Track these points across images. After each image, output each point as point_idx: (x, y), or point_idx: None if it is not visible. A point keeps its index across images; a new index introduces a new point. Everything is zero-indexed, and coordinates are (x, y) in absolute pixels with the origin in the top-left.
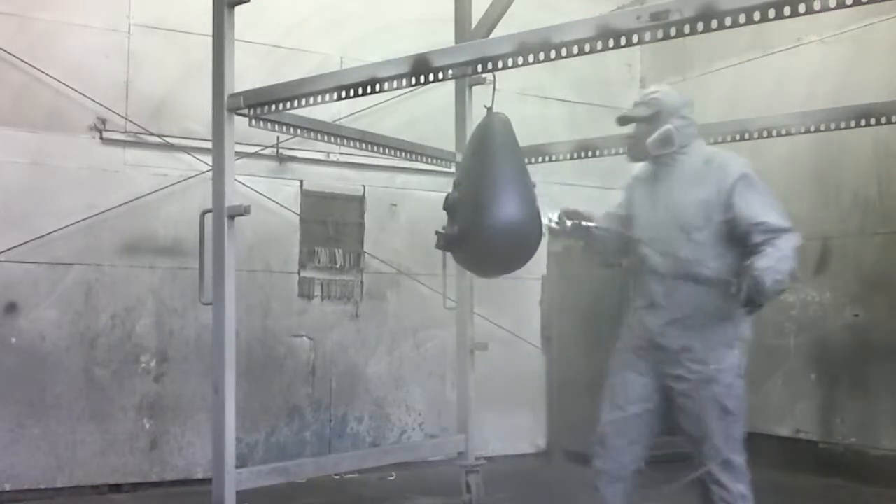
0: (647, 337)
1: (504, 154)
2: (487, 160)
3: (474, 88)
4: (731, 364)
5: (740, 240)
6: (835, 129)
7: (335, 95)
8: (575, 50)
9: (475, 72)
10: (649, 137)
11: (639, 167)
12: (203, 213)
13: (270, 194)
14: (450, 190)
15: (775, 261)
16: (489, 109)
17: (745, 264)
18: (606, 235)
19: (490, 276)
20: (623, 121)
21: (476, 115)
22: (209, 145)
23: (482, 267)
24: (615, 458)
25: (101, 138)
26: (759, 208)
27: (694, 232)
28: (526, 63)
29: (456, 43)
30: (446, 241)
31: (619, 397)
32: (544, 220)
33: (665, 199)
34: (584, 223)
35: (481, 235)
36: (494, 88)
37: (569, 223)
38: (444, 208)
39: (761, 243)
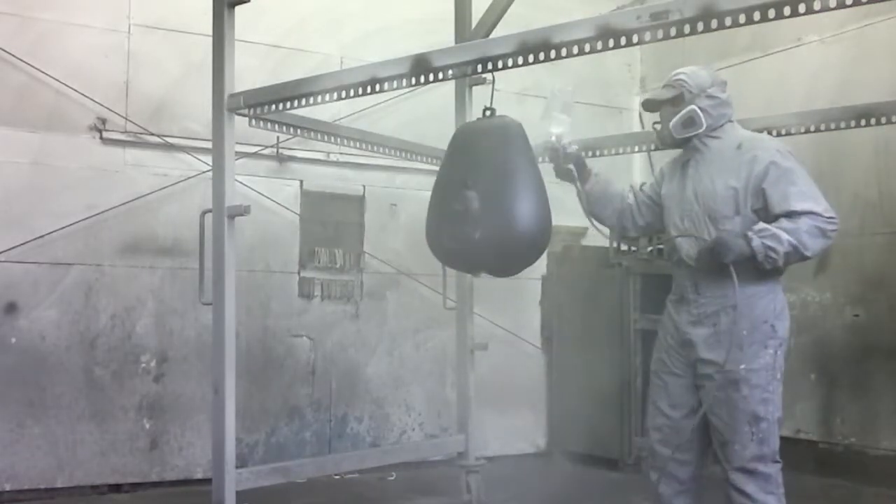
0: (678, 334)
1: (528, 157)
2: (515, 163)
3: (474, 88)
4: (764, 365)
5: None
6: (835, 129)
7: (335, 95)
8: (575, 50)
9: (475, 72)
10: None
11: (673, 154)
12: (203, 213)
13: (270, 194)
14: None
15: (781, 229)
16: (493, 110)
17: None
18: (597, 194)
19: (486, 276)
20: (648, 105)
21: (476, 116)
22: (209, 145)
23: (496, 269)
24: (668, 467)
25: (101, 138)
26: (793, 194)
27: (723, 222)
28: (526, 63)
29: (456, 43)
30: (469, 245)
31: (660, 400)
32: (554, 132)
33: (694, 185)
34: (573, 168)
35: (511, 239)
36: (493, 88)
37: (571, 165)
38: (462, 209)
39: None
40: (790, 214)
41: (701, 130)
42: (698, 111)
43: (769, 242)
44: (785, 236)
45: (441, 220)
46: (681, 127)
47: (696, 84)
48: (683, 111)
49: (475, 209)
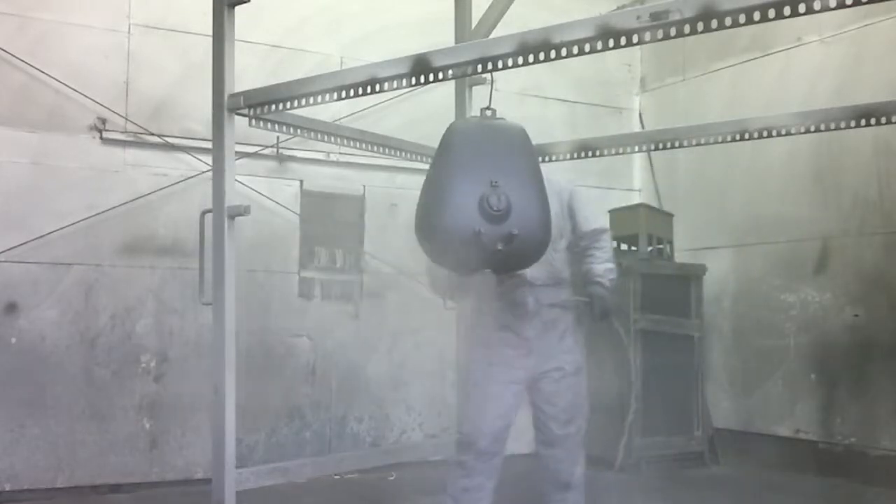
0: (520, 345)
1: (536, 160)
2: (533, 166)
3: (474, 88)
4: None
5: (575, 242)
6: (835, 129)
7: (335, 95)
8: (575, 50)
9: (475, 72)
10: None
11: None
12: (203, 213)
13: (270, 194)
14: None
15: (605, 261)
16: (493, 111)
17: (585, 270)
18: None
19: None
20: None
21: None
22: (209, 145)
23: (509, 267)
24: (492, 462)
25: (101, 138)
26: (590, 216)
27: (557, 242)
28: (526, 63)
29: (456, 43)
30: (505, 245)
31: (500, 408)
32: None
33: None
34: None
35: (537, 237)
36: (492, 88)
37: None
38: (498, 209)
39: (589, 245)
40: (595, 232)
41: None
42: None
43: (612, 276)
44: (611, 264)
45: (463, 215)
46: None
47: None
48: None
49: (508, 209)
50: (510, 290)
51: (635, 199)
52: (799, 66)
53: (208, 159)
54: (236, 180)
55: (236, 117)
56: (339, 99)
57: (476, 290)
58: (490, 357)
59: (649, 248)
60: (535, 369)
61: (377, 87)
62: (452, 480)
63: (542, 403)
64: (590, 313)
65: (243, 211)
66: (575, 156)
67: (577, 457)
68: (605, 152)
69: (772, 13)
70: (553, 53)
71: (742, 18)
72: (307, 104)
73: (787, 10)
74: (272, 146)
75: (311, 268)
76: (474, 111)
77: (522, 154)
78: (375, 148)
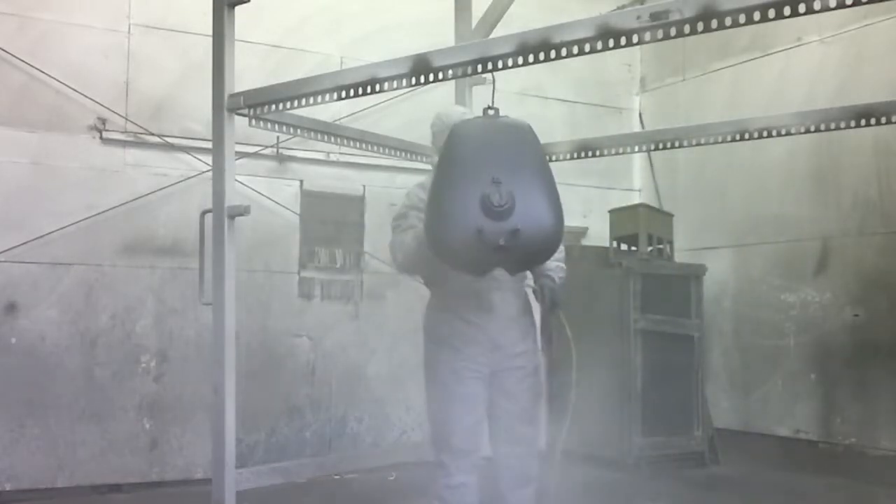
0: (485, 340)
1: (544, 157)
2: (539, 161)
3: (474, 88)
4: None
5: None
6: (835, 129)
7: (335, 95)
8: (575, 50)
9: (475, 72)
10: None
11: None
12: (203, 213)
13: (270, 194)
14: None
15: (556, 259)
16: (496, 110)
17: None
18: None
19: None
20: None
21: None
22: (209, 145)
23: (519, 265)
24: (470, 459)
25: (101, 138)
26: None
27: None
28: (526, 63)
29: (456, 43)
30: (506, 241)
31: (472, 407)
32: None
33: None
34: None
35: (545, 233)
36: (494, 88)
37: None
38: (500, 205)
39: None
40: None
41: None
42: None
43: (561, 274)
44: (561, 263)
45: (466, 214)
46: None
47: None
48: None
49: (510, 205)
50: (474, 286)
51: (635, 199)
52: (799, 66)
53: (208, 159)
54: (236, 180)
55: (236, 117)
56: (339, 99)
57: (439, 282)
58: (454, 352)
59: (649, 248)
60: (497, 365)
61: (377, 87)
62: (436, 481)
63: (504, 402)
64: (540, 303)
65: (243, 211)
66: (575, 156)
67: (535, 452)
68: (605, 152)
69: (772, 13)
70: (553, 53)
71: (742, 18)
72: (307, 104)
73: (787, 10)
74: (272, 146)
75: (311, 268)
76: (475, 111)
77: (528, 150)
78: (375, 148)
